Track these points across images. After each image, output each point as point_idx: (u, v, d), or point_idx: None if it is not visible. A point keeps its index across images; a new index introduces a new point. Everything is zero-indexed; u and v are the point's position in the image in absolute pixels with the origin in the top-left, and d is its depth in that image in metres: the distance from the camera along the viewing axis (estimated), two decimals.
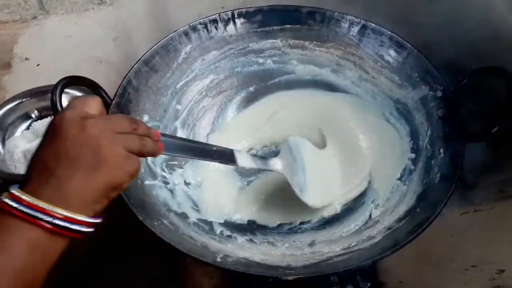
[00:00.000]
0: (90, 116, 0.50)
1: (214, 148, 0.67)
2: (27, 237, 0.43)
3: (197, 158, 0.68)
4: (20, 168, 0.90)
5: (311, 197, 0.75)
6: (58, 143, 0.47)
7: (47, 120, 0.97)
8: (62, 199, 0.45)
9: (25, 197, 0.44)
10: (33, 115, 0.98)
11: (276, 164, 0.74)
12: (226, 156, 0.67)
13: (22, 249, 0.43)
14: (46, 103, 0.96)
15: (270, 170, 0.74)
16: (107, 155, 0.48)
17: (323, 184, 0.79)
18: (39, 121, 0.97)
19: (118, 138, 0.49)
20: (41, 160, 0.47)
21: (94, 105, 0.53)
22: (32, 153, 0.51)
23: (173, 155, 0.61)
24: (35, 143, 0.93)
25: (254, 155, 0.76)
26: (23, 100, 0.96)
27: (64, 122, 0.48)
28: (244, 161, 0.69)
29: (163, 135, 0.57)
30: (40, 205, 0.44)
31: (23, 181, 0.48)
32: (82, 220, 0.46)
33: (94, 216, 0.49)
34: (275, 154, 0.82)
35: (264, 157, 0.77)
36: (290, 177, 0.74)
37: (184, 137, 0.84)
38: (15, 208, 0.44)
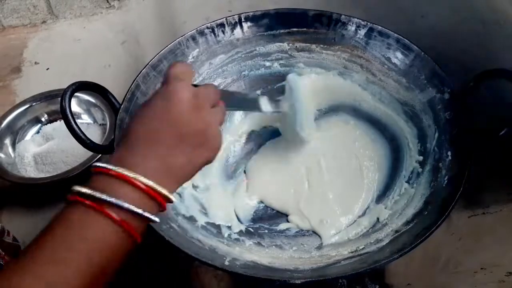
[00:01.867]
0: (198, 93, 0.50)
1: (247, 96, 0.79)
2: (98, 230, 0.43)
3: (236, 109, 0.81)
4: (30, 171, 0.92)
5: (307, 132, 0.83)
6: (173, 117, 0.48)
7: (57, 124, 0.98)
8: (167, 169, 0.47)
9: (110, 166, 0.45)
10: (43, 119, 0.99)
11: (284, 105, 0.82)
12: (252, 103, 0.76)
13: (93, 243, 0.42)
14: (56, 107, 0.97)
15: (282, 112, 0.81)
16: (211, 136, 0.51)
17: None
18: (49, 124, 0.98)
19: (217, 117, 0.53)
20: (150, 126, 0.48)
21: (191, 75, 0.53)
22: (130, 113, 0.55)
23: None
24: (45, 147, 0.94)
25: (271, 99, 0.80)
26: (33, 104, 0.97)
27: (181, 99, 0.49)
28: (265, 106, 0.76)
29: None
30: (126, 174, 0.44)
31: (121, 138, 0.49)
32: (163, 194, 0.46)
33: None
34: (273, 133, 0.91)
35: (278, 100, 0.81)
36: (293, 116, 0.81)
37: None
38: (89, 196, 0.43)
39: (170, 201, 0.48)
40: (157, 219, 0.47)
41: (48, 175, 0.89)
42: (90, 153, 0.88)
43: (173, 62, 0.54)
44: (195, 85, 0.53)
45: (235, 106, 0.72)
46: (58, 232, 0.42)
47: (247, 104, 0.75)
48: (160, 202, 0.47)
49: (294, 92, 0.83)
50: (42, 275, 0.40)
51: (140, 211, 0.44)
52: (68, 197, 0.44)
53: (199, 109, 0.50)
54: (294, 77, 0.85)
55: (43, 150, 0.93)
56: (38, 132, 0.98)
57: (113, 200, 0.43)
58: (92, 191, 0.43)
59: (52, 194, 0.79)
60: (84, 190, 0.43)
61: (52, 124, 0.98)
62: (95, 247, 0.42)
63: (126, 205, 0.43)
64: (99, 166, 0.46)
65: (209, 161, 0.52)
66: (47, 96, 0.98)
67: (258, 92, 0.92)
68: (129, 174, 0.45)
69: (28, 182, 0.87)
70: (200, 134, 0.50)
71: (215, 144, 0.52)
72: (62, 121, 0.76)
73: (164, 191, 0.46)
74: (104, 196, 0.43)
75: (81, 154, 0.91)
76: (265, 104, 0.76)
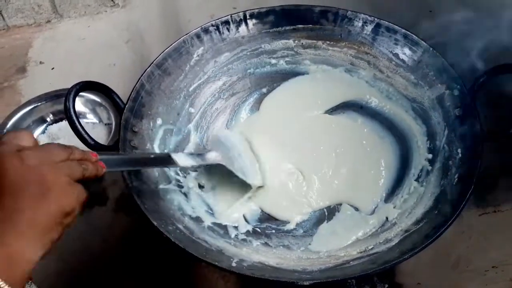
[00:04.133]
0: (25, 148, 0.49)
1: (152, 156, 0.70)
2: None
3: (139, 168, 0.69)
4: None
5: (253, 178, 0.79)
6: (2, 180, 0.45)
7: (63, 123, 0.97)
8: (15, 231, 0.44)
9: None
10: (48, 119, 0.98)
11: (214, 157, 0.77)
12: (164, 161, 0.70)
13: None
14: (61, 106, 0.95)
15: (211, 164, 0.77)
16: (51, 184, 0.47)
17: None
18: (54, 124, 0.98)
19: (59, 166, 0.49)
20: None
21: (26, 137, 0.50)
22: None
23: (115, 170, 0.61)
24: None
25: (191, 153, 0.78)
26: (39, 104, 0.97)
27: (3, 159, 0.46)
28: (183, 161, 0.71)
29: (100, 153, 0.57)
30: None
31: None
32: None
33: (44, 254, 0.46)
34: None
35: (200, 154, 0.77)
36: (231, 165, 0.77)
37: (199, 138, 0.85)
38: None
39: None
40: None
41: None
42: None
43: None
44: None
45: (129, 166, 0.65)
46: None
47: (153, 162, 0.68)
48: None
49: (225, 142, 0.80)
50: None
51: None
52: None
53: (25, 161, 0.46)
54: (221, 132, 0.85)
55: None
56: (43, 132, 0.97)
57: None
58: None
59: None
60: None
61: (57, 124, 0.98)
62: None
63: None
64: None
65: (67, 211, 0.48)
66: (52, 96, 0.97)
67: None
68: None
69: None
70: (34, 184, 0.46)
71: (62, 192, 0.48)
72: None
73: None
74: None
75: None
76: (181, 159, 0.70)
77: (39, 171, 0.47)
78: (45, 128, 0.98)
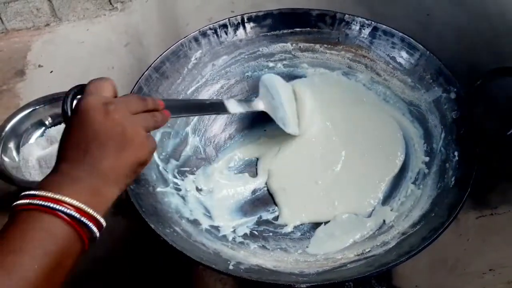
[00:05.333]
0: (110, 101, 0.54)
1: (208, 102, 0.76)
2: (47, 229, 0.46)
3: (197, 114, 0.78)
4: (34, 175, 0.91)
5: (292, 129, 0.83)
6: (87, 127, 0.52)
7: (61, 127, 0.97)
8: (100, 173, 0.51)
9: (42, 192, 0.48)
10: (47, 122, 0.98)
11: (259, 104, 0.81)
12: (218, 107, 0.75)
13: (44, 242, 0.45)
14: (60, 110, 0.96)
15: (257, 111, 0.80)
16: (131, 137, 0.53)
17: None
18: (53, 127, 0.98)
19: (137, 120, 0.55)
20: (72, 143, 0.52)
21: (109, 88, 0.56)
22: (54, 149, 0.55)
23: (178, 116, 0.68)
24: (49, 150, 0.94)
25: (240, 100, 0.81)
26: (37, 107, 0.97)
27: (90, 109, 0.52)
28: (234, 108, 0.76)
29: (165, 100, 0.62)
30: (56, 197, 0.47)
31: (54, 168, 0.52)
32: (92, 215, 0.49)
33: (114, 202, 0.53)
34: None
35: (248, 100, 0.81)
36: (273, 113, 0.81)
37: (197, 141, 0.86)
38: (33, 204, 0.47)
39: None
40: (97, 233, 0.50)
41: None
42: None
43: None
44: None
45: (189, 112, 0.72)
46: (10, 235, 0.45)
47: (209, 108, 0.74)
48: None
49: (270, 89, 0.83)
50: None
51: (90, 210, 0.49)
52: (17, 206, 0.47)
53: (110, 114, 0.52)
54: (269, 76, 0.85)
55: (47, 154, 0.93)
56: (42, 135, 0.97)
57: (63, 209, 0.47)
58: (45, 193, 0.47)
59: None
60: (35, 196, 0.47)
61: (56, 127, 0.98)
62: (48, 249, 0.45)
63: (75, 214, 0.47)
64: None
65: (142, 161, 0.55)
66: (51, 99, 0.97)
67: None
68: (71, 201, 0.48)
69: (33, 186, 0.87)
70: (117, 136, 0.52)
71: (140, 145, 0.54)
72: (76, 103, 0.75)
73: (92, 212, 0.49)
74: (56, 206, 0.46)
75: None
76: (232, 105, 0.76)
77: (121, 124, 0.53)
78: (44, 131, 0.98)
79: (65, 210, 0.46)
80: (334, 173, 0.83)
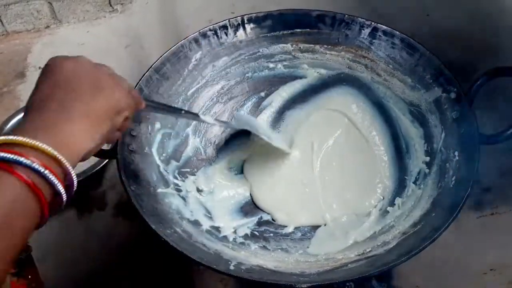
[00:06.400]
0: (80, 56, 0.52)
1: (183, 112, 0.73)
2: (6, 190, 0.41)
3: (168, 114, 0.76)
4: None
5: (279, 144, 0.83)
6: (57, 76, 0.49)
7: None
8: (69, 118, 0.47)
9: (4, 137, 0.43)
10: None
11: (236, 124, 0.83)
12: (194, 116, 0.76)
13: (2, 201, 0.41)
14: None
15: (234, 127, 0.83)
16: (105, 83, 0.51)
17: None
18: None
19: (116, 76, 0.54)
20: (42, 93, 0.48)
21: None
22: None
23: (149, 110, 0.66)
24: None
25: (219, 120, 0.83)
26: None
27: (59, 59, 0.50)
28: (209, 119, 0.76)
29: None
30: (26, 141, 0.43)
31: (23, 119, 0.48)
32: (65, 164, 0.45)
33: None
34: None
35: (226, 121, 0.83)
36: (255, 131, 0.81)
37: (197, 142, 0.86)
38: None
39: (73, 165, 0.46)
40: (62, 190, 0.44)
41: None
42: None
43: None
44: None
45: (164, 111, 0.71)
46: None
47: (183, 114, 0.73)
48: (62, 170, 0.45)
49: (249, 121, 0.84)
50: None
51: (47, 172, 0.43)
52: None
53: (80, 63, 0.51)
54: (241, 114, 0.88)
55: None
56: None
57: (22, 160, 0.41)
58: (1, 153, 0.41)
59: None
60: None
61: None
62: (3, 210, 0.40)
63: (35, 165, 0.42)
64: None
65: (118, 108, 0.52)
66: None
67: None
68: (33, 142, 0.43)
69: None
70: (88, 83, 0.50)
71: (112, 89, 0.51)
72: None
73: (62, 158, 0.44)
74: (14, 157, 0.41)
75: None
76: (208, 118, 0.76)
77: (94, 74, 0.51)
78: None
79: (24, 161, 0.41)
80: (329, 177, 0.83)
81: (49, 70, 0.50)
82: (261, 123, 0.88)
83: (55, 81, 0.49)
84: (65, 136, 0.46)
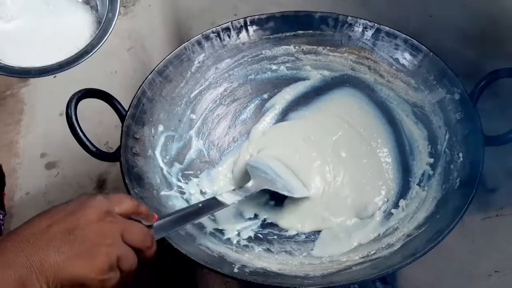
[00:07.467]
0: (114, 213, 0.49)
1: (201, 205, 0.65)
2: None
3: (192, 221, 0.66)
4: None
5: (299, 192, 0.78)
6: (75, 216, 0.47)
7: None
8: (37, 266, 0.43)
9: None
10: None
11: (254, 185, 0.74)
12: (213, 205, 0.66)
13: None
14: None
15: (254, 192, 0.73)
16: (97, 251, 0.46)
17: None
18: None
19: (115, 245, 0.48)
20: (48, 218, 0.46)
21: (128, 203, 0.52)
22: None
23: (168, 233, 0.59)
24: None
25: (233, 190, 0.74)
26: None
27: (91, 205, 0.48)
28: (229, 199, 0.68)
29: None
30: None
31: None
32: None
33: None
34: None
35: (241, 187, 0.74)
36: (274, 186, 0.75)
37: (201, 144, 0.85)
38: None
39: None
40: None
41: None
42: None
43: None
44: None
45: (182, 223, 0.61)
46: None
47: (202, 211, 0.64)
48: None
49: (260, 167, 0.79)
50: None
51: None
52: None
53: (103, 222, 0.47)
54: (254, 160, 0.82)
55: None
56: None
57: None
58: None
59: None
60: None
61: None
62: None
63: None
64: None
65: (83, 282, 0.45)
66: None
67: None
68: None
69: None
70: (88, 241, 0.46)
71: (93, 262, 0.45)
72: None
73: None
74: None
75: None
76: (227, 197, 0.68)
77: (103, 235, 0.47)
78: None
79: None
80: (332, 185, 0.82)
81: (72, 206, 0.48)
82: (278, 166, 0.82)
83: (69, 219, 0.46)
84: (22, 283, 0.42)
